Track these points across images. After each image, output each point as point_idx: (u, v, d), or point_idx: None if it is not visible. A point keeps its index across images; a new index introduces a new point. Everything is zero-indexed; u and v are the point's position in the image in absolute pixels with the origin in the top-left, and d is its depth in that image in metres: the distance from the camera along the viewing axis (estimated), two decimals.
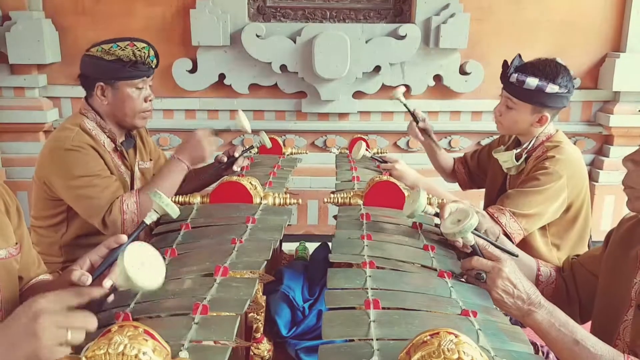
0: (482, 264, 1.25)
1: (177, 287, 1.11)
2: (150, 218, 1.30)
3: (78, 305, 0.86)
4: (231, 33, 3.29)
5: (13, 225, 1.34)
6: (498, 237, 1.58)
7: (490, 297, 1.22)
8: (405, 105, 2.56)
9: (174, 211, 1.31)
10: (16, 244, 1.31)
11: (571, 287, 1.54)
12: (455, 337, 0.80)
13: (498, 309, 1.19)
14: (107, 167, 2.04)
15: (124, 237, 1.19)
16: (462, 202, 1.50)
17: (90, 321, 0.85)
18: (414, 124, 2.54)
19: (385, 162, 2.28)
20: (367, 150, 2.40)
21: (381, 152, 2.55)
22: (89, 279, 1.10)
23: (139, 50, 1.99)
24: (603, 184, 3.50)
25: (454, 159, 2.68)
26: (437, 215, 1.48)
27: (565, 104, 2.11)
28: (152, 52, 2.04)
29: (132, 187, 2.21)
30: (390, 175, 2.18)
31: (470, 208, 1.37)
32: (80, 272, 1.12)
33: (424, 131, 2.55)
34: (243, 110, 3.41)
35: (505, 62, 2.13)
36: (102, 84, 2.02)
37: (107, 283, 0.97)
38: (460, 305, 1.08)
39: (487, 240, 1.41)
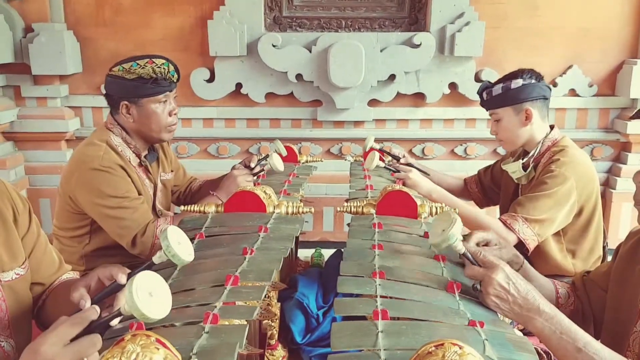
0: (474, 273, 1.22)
1: (189, 296, 1.14)
2: (159, 259, 1.16)
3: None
4: (248, 43, 3.33)
5: (22, 230, 1.33)
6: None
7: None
8: (381, 150, 2.53)
9: (180, 261, 1.15)
10: (24, 262, 1.30)
11: (586, 307, 1.53)
12: (460, 348, 0.81)
13: (505, 319, 1.20)
14: (135, 185, 2.08)
15: (124, 279, 1.12)
16: (489, 233, 1.51)
17: (97, 342, 0.88)
18: (401, 168, 2.37)
19: (399, 171, 2.30)
20: (381, 160, 2.41)
21: (394, 155, 2.54)
22: (87, 303, 1.09)
23: (159, 67, 2.02)
24: (620, 191, 3.46)
25: (464, 179, 2.69)
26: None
27: (543, 94, 2.17)
28: (171, 68, 2.07)
29: (154, 199, 2.26)
30: (404, 184, 2.19)
31: (457, 217, 1.31)
32: (80, 295, 1.11)
33: (410, 165, 2.45)
34: (261, 119, 3.50)
35: (478, 92, 2.28)
36: (126, 102, 2.06)
37: (115, 323, 1.00)
38: (468, 316, 1.09)
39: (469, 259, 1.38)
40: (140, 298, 0.87)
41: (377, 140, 3.25)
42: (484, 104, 2.26)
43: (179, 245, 1.11)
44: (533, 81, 2.14)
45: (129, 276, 1.10)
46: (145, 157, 2.19)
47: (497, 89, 2.16)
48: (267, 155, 2.32)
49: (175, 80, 2.11)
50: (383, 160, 2.45)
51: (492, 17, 3.35)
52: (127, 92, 2.05)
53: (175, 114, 2.15)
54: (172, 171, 2.42)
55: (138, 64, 2.00)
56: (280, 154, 2.49)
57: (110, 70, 2.06)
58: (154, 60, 2.02)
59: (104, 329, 0.93)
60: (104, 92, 2.13)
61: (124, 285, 1.09)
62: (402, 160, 2.48)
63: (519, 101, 2.14)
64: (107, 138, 2.08)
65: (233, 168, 2.31)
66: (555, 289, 1.55)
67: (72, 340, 0.88)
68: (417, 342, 0.94)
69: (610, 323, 1.44)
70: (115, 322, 1.02)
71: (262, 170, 2.22)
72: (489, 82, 2.25)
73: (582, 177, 2.09)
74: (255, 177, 2.21)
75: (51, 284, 1.42)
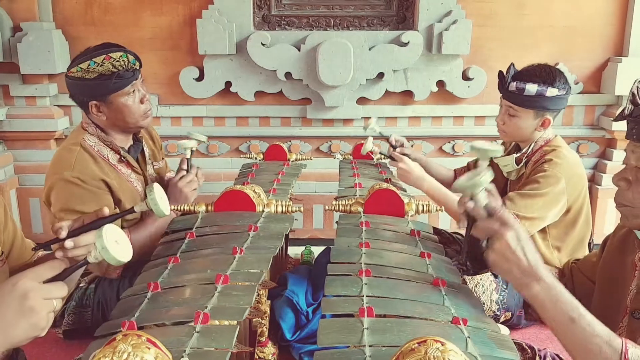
0: (488, 226, 1.19)
1: (180, 295, 1.16)
2: (139, 207, 1.36)
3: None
4: (237, 42, 3.34)
5: (0, 225, 1.36)
6: None
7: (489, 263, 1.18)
8: (380, 133, 2.55)
9: (159, 212, 1.34)
10: (1, 253, 1.33)
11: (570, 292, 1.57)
12: (442, 345, 0.84)
13: (490, 317, 1.23)
14: (111, 189, 2.03)
15: (106, 211, 1.27)
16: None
17: (63, 289, 0.99)
18: (395, 155, 2.40)
19: (393, 158, 2.33)
20: (372, 151, 2.43)
21: (391, 144, 2.54)
22: (63, 233, 1.21)
23: (117, 61, 1.93)
24: (606, 187, 3.50)
25: (454, 170, 2.71)
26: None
27: (565, 105, 2.17)
28: (131, 57, 1.98)
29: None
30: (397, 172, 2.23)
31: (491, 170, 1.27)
32: (59, 225, 1.23)
33: (406, 155, 2.46)
34: (250, 118, 3.51)
35: (500, 72, 2.19)
36: (94, 102, 2.00)
37: (68, 244, 1.18)
38: (452, 313, 1.12)
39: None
40: (109, 243, 1.03)
41: (365, 138, 3.30)
42: (508, 95, 2.16)
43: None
44: (564, 93, 2.11)
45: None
46: (128, 150, 2.15)
47: (531, 90, 2.07)
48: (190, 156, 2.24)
49: (138, 68, 2.03)
50: (372, 153, 2.47)
51: (479, 15, 3.38)
52: (92, 92, 1.98)
53: (147, 100, 2.09)
54: (163, 159, 2.41)
55: (95, 62, 1.91)
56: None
57: (68, 71, 1.98)
58: (110, 55, 1.92)
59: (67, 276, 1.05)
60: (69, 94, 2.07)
61: (98, 225, 1.22)
62: (397, 150, 2.48)
63: (545, 110, 2.12)
64: (80, 140, 2.04)
65: (170, 180, 2.25)
66: None
67: (46, 282, 0.98)
68: (401, 339, 0.96)
69: (596, 317, 1.46)
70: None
71: (192, 166, 2.23)
72: (514, 65, 2.16)
73: (572, 178, 2.12)
74: (193, 175, 2.22)
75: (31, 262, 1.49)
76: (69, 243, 1.18)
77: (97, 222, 1.24)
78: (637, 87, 1.23)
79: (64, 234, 1.21)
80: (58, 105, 3.50)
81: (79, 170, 1.96)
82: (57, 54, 3.27)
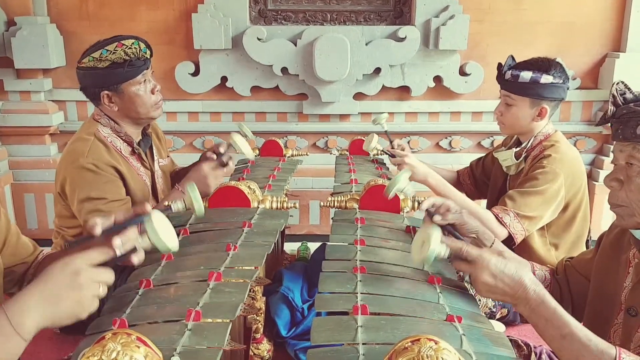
0: (461, 268, 1.24)
1: (172, 293, 1.15)
2: (176, 206, 1.43)
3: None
4: (233, 36, 3.32)
5: None
6: (493, 243, 1.54)
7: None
8: (387, 132, 2.51)
9: (200, 210, 1.42)
10: None
11: (565, 290, 1.56)
12: (435, 343, 0.83)
13: (486, 314, 1.22)
14: (124, 179, 2.02)
15: (149, 207, 1.25)
16: (441, 199, 1.48)
17: (111, 276, 1.03)
18: (398, 152, 2.34)
19: (395, 156, 2.31)
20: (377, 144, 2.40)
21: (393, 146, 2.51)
22: (97, 230, 1.19)
23: (129, 48, 1.94)
24: (603, 183, 3.50)
25: (457, 172, 2.70)
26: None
27: (563, 96, 2.15)
28: (142, 45, 1.99)
29: (154, 187, 2.21)
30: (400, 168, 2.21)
31: (434, 226, 1.27)
32: (94, 222, 1.21)
33: None
34: (246, 113, 3.49)
35: (499, 64, 2.18)
36: (106, 92, 2.00)
37: (117, 243, 1.13)
38: (447, 311, 1.11)
39: (453, 234, 1.37)
40: (159, 229, 1.08)
41: (362, 134, 3.27)
42: (504, 84, 2.16)
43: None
44: (561, 82, 2.09)
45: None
46: (138, 144, 2.14)
47: (525, 77, 2.08)
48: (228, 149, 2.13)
49: (148, 56, 2.04)
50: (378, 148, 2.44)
51: (476, 10, 3.36)
52: (104, 81, 1.98)
53: (158, 91, 2.09)
54: (168, 156, 2.39)
55: (107, 50, 1.92)
56: (245, 136, 2.41)
57: (79, 63, 1.99)
58: (122, 42, 1.93)
59: (115, 266, 1.08)
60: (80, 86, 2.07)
61: (136, 222, 1.23)
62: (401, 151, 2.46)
63: (540, 97, 2.10)
64: (94, 130, 2.04)
65: (203, 156, 2.18)
66: (532, 270, 1.56)
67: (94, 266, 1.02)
68: (395, 337, 0.96)
69: (591, 314, 1.46)
70: (136, 260, 1.14)
71: (230, 158, 2.10)
72: (513, 57, 2.17)
73: (570, 174, 2.11)
74: (225, 169, 2.09)
75: (35, 260, 1.46)
76: (117, 242, 1.14)
77: (135, 219, 1.23)
78: (617, 89, 1.25)
79: (98, 230, 1.19)
80: (53, 100, 3.48)
81: (92, 157, 1.95)
82: (52, 48, 3.25)
